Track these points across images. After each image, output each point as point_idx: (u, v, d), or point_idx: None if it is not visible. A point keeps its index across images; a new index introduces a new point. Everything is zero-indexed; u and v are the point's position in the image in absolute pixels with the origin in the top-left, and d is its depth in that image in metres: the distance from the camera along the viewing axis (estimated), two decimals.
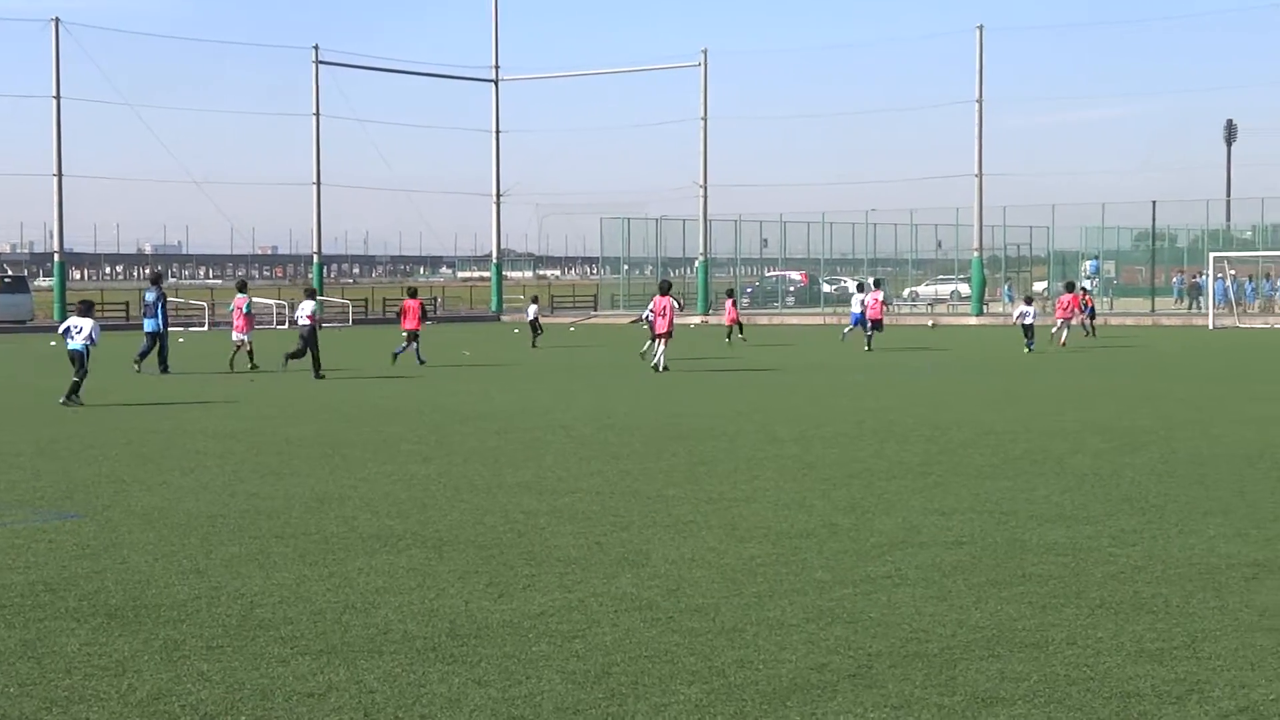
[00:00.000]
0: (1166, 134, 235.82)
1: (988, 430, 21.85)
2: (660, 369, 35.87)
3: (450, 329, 62.56)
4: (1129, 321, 62.44)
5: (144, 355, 36.67)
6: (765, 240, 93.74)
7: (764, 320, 73.46)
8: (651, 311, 37.28)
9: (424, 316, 41.23)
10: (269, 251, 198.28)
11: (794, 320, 74.32)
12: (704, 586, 11.22)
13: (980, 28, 74.65)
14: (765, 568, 11.89)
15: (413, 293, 42.80)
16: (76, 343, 27.50)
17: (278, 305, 71.54)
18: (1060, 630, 9.79)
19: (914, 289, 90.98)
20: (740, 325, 52.37)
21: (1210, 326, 63.10)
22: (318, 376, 34.15)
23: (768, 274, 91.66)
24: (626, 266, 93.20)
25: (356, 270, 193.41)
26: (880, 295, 48.67)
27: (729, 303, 53.83)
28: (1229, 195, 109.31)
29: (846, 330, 49.91)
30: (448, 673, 8.91)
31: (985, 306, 77.23)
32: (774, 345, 50.07)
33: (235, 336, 38.41)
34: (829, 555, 12.38)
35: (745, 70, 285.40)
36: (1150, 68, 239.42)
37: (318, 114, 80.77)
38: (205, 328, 66.70)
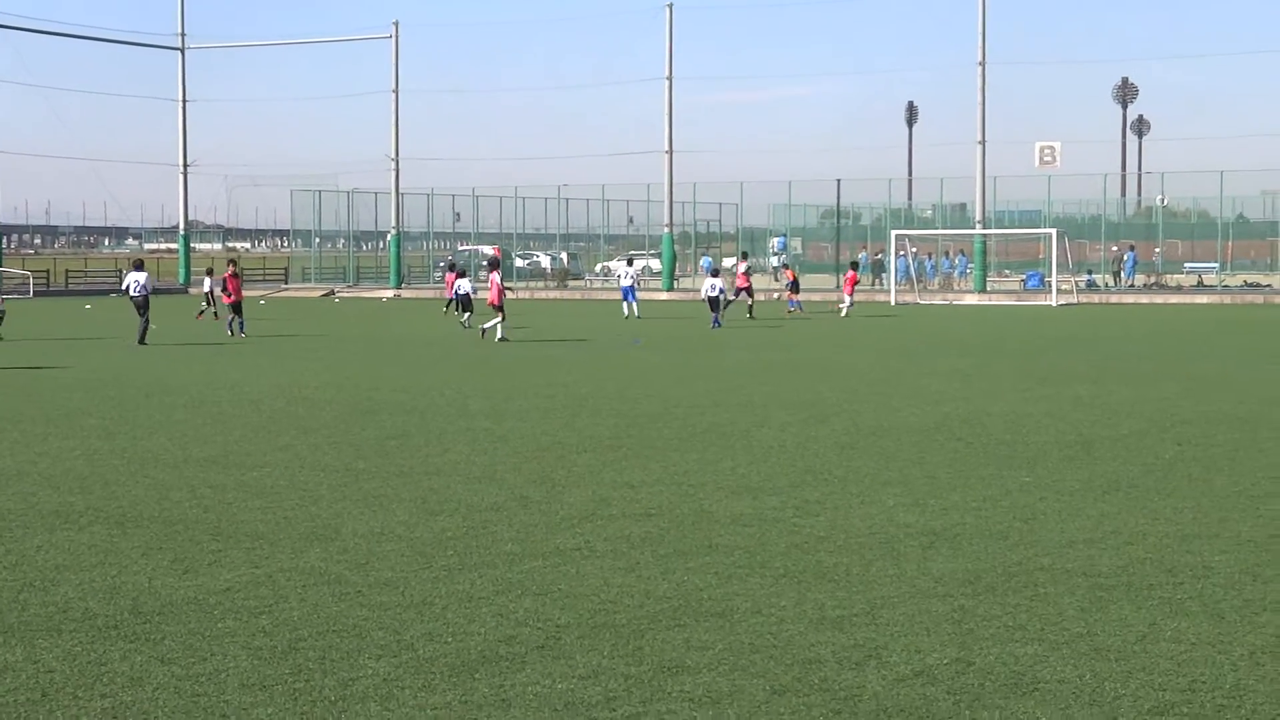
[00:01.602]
0: (851, 114, 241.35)
1: (677, 404, 22.13)
2: (496, 339, 37.79)
3: None
4: (815, 298, 63.47)
5: None
6: (458, 214, 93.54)
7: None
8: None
9: (234, 288, 40.63)
10: None
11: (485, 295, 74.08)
12: (393, 560, 11.19)
13: (670, 5, 75.33)
14: (455, 541, 11.90)
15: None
16: None
17: None
18: (745, 599, 9.98)
19: (606, 264, 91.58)
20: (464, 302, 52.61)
21: (892, 303, 64.67)
22: (141, 343, 35.29)
23: (460, 248, 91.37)
24: (318, 240, 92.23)
25: (38, 241, 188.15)
26: (745, 267, 53.22)
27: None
28: (910, 175, 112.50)
29: (631, 310, 49.71)
30: (130, 650, 8.75)
31: (676, 282, 78.08)
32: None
33: None
34: (519, 528, 12.44)
35: (438, 43, 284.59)
36: (835, 49, 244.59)
37: None
38: None
